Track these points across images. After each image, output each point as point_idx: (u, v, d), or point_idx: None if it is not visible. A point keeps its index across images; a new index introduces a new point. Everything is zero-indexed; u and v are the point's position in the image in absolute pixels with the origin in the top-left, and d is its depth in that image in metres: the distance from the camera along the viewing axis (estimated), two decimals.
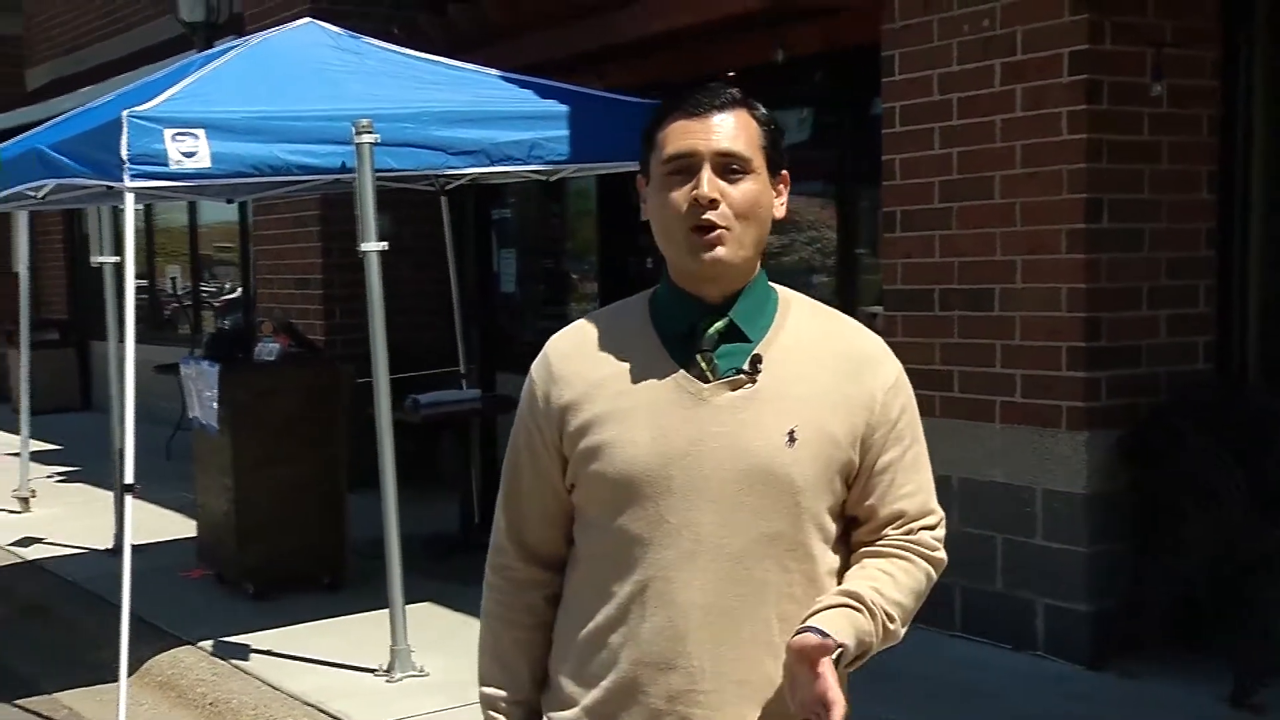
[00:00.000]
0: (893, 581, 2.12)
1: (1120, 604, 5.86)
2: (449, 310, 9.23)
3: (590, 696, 2.17)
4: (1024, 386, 6.05)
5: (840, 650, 2.01)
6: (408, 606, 6.14)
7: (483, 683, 2.37)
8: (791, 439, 2.10)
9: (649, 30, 7.92)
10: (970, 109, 6.18)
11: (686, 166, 2.11)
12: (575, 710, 2.20)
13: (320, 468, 7.66)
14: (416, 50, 7.49)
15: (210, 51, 7.72)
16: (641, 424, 2.14)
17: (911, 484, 2.19)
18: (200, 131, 5.91)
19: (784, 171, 2.21)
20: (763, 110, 2.21)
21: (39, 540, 9.29)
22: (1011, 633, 6.07)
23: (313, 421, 7.66)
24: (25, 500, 10.35)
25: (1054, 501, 5.95)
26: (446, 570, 7.55)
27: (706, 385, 2.13)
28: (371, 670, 6.10)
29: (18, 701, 6.40)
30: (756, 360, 2.13)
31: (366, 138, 6.00)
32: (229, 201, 10.73)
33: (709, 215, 2.09)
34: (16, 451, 10.53)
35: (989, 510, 6.16)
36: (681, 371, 2.14)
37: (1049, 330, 5.95)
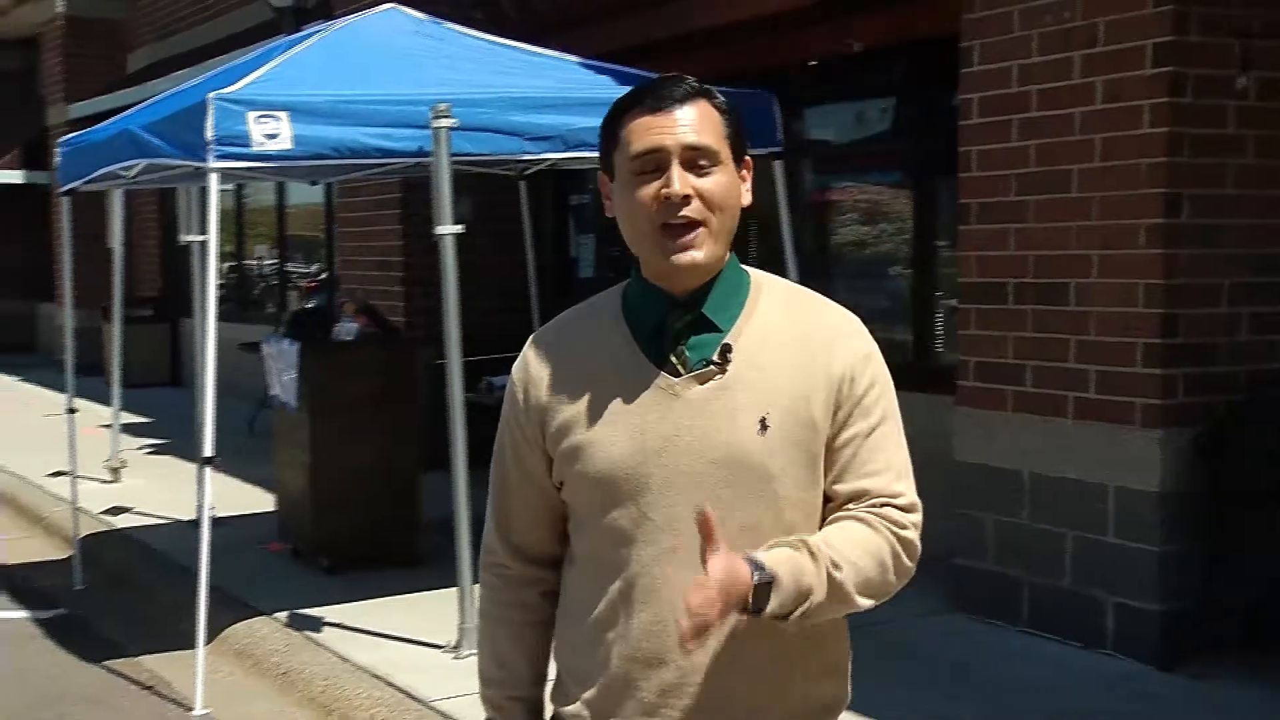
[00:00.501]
0: (845, 536, 2.05)
1: (1193, 604, 5.78)
2: (527, 295, 9.24)
3: (589, 692, 2.17)
4: (1098, 382, 5.98)
5: (770, 579, 1.94)
6: (474, 585, 6.12)
7: (482, 681, 2.37)
8: (764, 426, 2.08)
9: (726, 19, 7.96)
10: (1049, 101, 6.11)
11: (654, 164, 2.07)
12: (577, 705, 2.20)
13: (395, 447, 7.73)
14: (498, 36, 7.50)
15: (295, 36, 7.79)
16: (618, 422, 2.13)
17: (877, 462, 2.12)
18: (283, 114, 5.97)
19: (747, 158, 2.17)
20: (722, 98, 2.16)
21: (127, 510, 9.46)
22: (1080, 630, 6.00)
23: (388, 401, 7.73)
24: (116, 470, 10.56)
25: (1126, 499, 5.87)
26: None
27: (677, 380, 2.11)
28: (439, 646, 6.14)
29: (105, 663, 6.56)
30: (726, 350, 2.10)
31: (444, 122, 6.01)
32: (312, 183, 10.90)
33: (685, 212, 2.06)
34: (108, 423, 10.75)
35: (1059, 507, 6.11)
36: (653, 367, 2.12)
37: (1124, 326, 5.87)
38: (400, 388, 7.80)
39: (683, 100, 2.09)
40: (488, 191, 9.37)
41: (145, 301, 17.36)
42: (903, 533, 2.09)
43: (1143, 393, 5.82)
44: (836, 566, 2.00)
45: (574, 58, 7.35)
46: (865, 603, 2.07)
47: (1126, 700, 5.44)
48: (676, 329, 2.13)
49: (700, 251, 2.08)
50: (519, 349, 7.75)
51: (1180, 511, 5.79)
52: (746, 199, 2.16)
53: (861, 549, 2.05)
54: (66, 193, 8.06)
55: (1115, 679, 5.66)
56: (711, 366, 2.10)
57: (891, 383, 2.18)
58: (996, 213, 6.39)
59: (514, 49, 7.30)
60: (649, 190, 2.06)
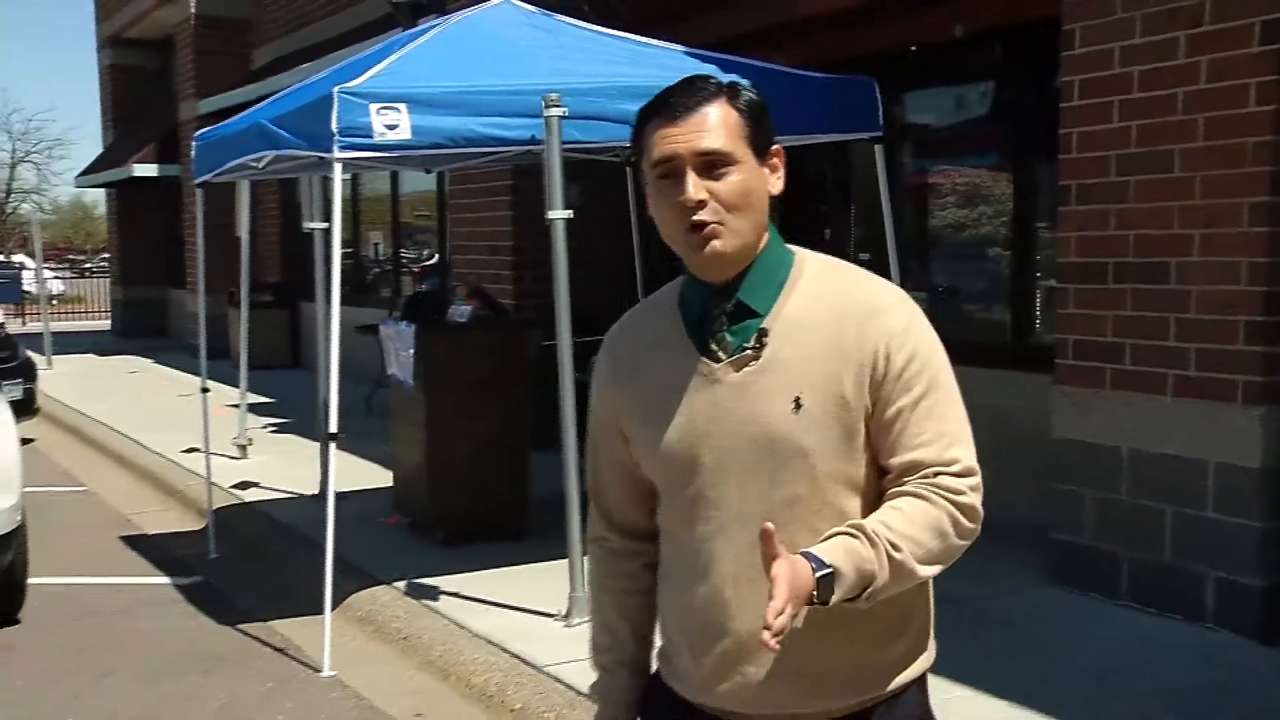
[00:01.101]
0: (901, 515, 2.04)
1: None
2: (633, 277, 9.29)
3: (677, 658, 2.25)
4: (1198, 360, 5.92)
5: (830, 571, 1.96)
6: (585, 558, 6.20)
7: (593, 647, 2.46)
8: (798, 405, 2.10)
9: (830, 7, 7.92)
10: (1151, 82, 6.04)
11: (671, 171, 2.11)
12: (668, 669, 2.29)
13: (506, 424, 7.80)
14: (606, 27, 7.51)
15: (412, 30, 7.85)
16: (672, 408, 2.19)
17: (928, 433, 2.10)
18: (402, 106, 6.05)
19: (775, 147, 2.18)
20: (746, 96, 2.17)
21: (255, 484, 9.69)
22: (1180, 604, 5.95)
23: (500, 381, 7.78)
24: (243, 448, 10.83)
25: (1227, 475, 5.80)
26: None
27: (718, 365, 2.16)
28: (550, 615, 6.21)
29: (239, 626, 6.74)
30: (762, 334, 2.14)
31: (555, 111, 6.05)
32: (427, 171, 10.99)
33: (700, 216, 2.09)
34: (236, 403, 11.02)
35: (1159, 482, 6.06)
36: (698, 354, 2.18)
37: (1226, 304, 5.79)
38: (511, 368, 7.85)
39: (697, 106, 2.12)
40: (595, 178, 9.41)
41: (266, 287, 17.67)
42: (959, 498, 2.07)
43: (1245, 370, 5.73)
44: (895, 548, 2.00)
45: (679, 47, 7.33)
46: (930, 571, 2.07)
47: (1227, 672, 5.38)
48: (716, 316, 2.17)
49: (721, 244, 2.13)
50: None
51: None
52: (775, 188, 2.18)
53: (919, 524, 2.04)
54: (200, 184, 8.19)
55: (1216, 652, 5.60)
56: (748, 351, 2.14)
57: (939, 351, 2.16)
58: (1097, 193, 6.34)
59: (621, 39, 7.31)
60: (669, 196, 2.11)
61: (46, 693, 5.89)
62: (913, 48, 7.76)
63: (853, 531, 2.01)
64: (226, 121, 7.94)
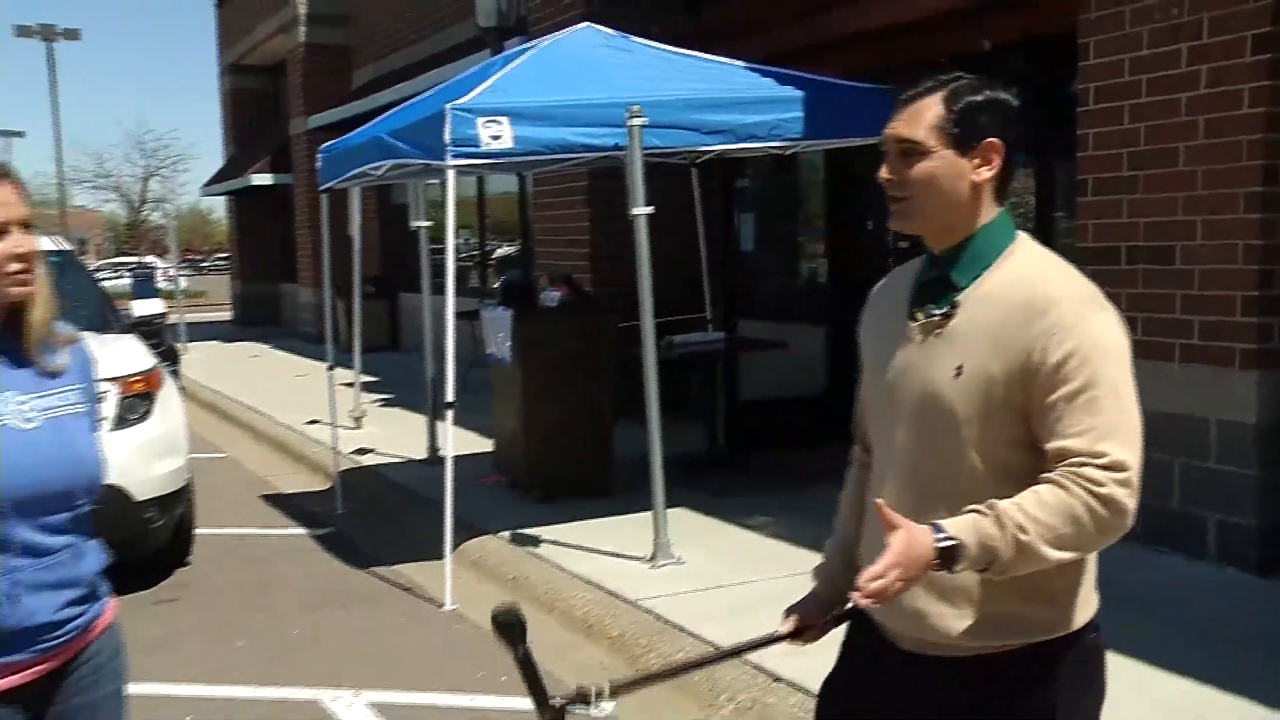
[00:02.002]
0: (1037, 500, 1.95)
1: None
2: (695, 265, 9.27)
3: None
4: (1201, 331, 5.91)
5: (953, 544, 1.93)
6: (666, 510, 6.29)
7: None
8: (958, 373, 2.07)
9: (872, 24, 7.88)
10: (1158, 88, 6.02)
11: (883, 152, 2.17)
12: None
13: (592, 396, 7.82)
14: (673, 46, 7.54)
15: (509, 53, 7.91)
16: (879, 358, 2.23)
17: (1081, 424, 1.97)
18: (504, 119, 6.17)
19: (990, 140, 2.12)
20: (962, 94, 2.12)
21: (370, 450, 9.85)
22: (1186, 544, 5.97)
23: (586, 358, 7.81)
24: (359, 419, 11.02)
25: (1227, 431, 5.81)
26: (696, 483, 7.69)
27: (914, 326, 2.15)
28: (637, 558, 6.30)
29: (369, 569, 6.92)
30: (953, 306, 2.11)
31: (636, 121, 6.15)
32: (520, 175, 11.10)
33: (889, 191, 2.15)
34: (349, 381, 11.15)
35: (1168, 438, 6.02)
36: (905, 315, 2.19)
37: (1225, 281, 5.79)
38: (596, 346, 7.87)
39: (915, 98, 2.13)
40: (663, 179, 9.54)
41: (368, 280, 17.83)
42: (1099, 490, 1.94)
43: (1242, 339, 5.73)
44: (1023, 530, 1.93)
45: (740, 62, 7.34)
46: (1061, 555, 1.96)
47: (1227, 601, 5.44)
48: (926, 284, 2.18)
49: (900, 220, 2.16)
50: (691, 312, 7.97)
51: (1275, 441, 5.72)
52: (979, 176, 2.12)
53: (1053, 510, 1.94)
54: (324, 190, 8.29)
55: (1218, 583, 5.65)
56: (936, 318, 2.12)
57: (1108, 349, 2.02)
58: (1111, 186, 6.31)
59: (688, 56, 7.35)
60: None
61: (219, 619, 6.12)
62: (944, 60, 7.75)
63: (984, 510, 1.96)
64: (346, 136, 8.04)
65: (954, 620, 2.09)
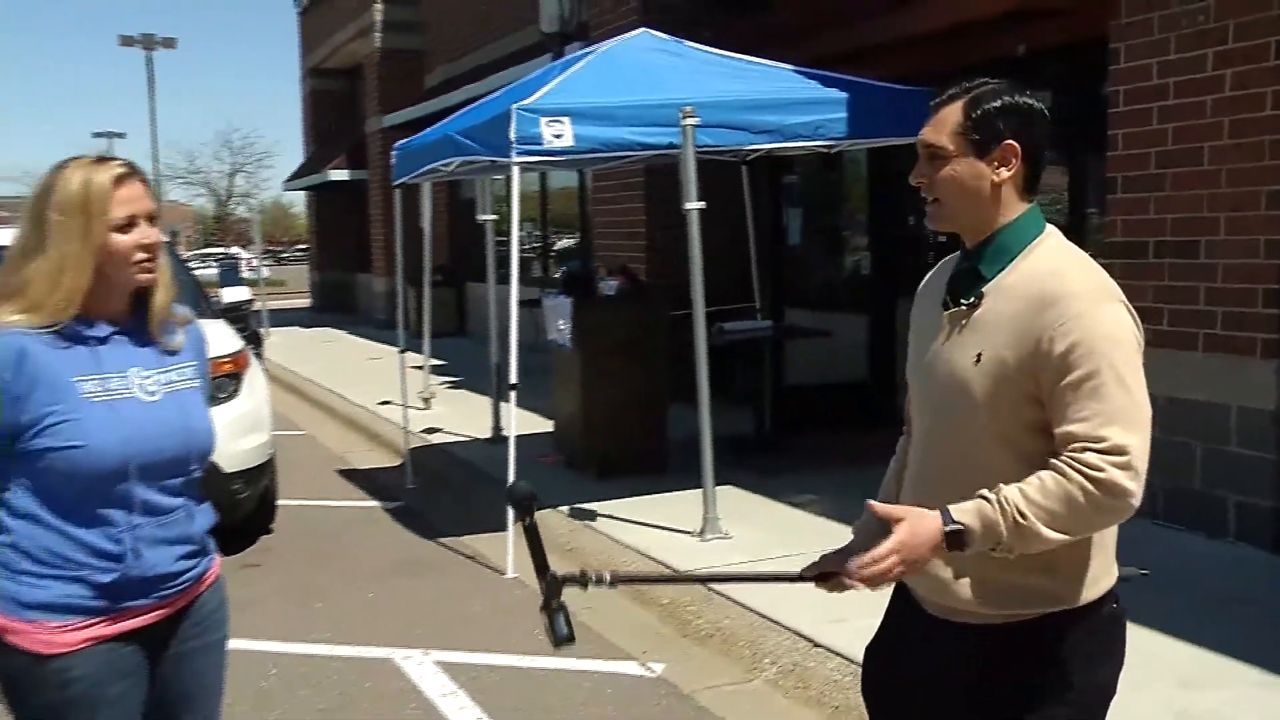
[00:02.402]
0: (1039, 485, 1.98)
1: None
2: (744, 257, 9.29)
3: None
4: (1223, 321, 5.90)
5: (959, 529, 1.99)
6: (715, 488, 6.35)
7: None
8: (978, 360, 2.10)
9: (913, 30, 7.84)
10: (1184, 90, 6.00)
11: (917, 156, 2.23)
12: None
13: (646, 380, 7.87)
14: (723, 49, 7.56)
15: (570, 57, 7.96)
16: (918, 343, 2.29)
17: (1085, 410, 1.98)
18: (566, 119, 6.25)
19: (1007, 143, 2.14)
20: (982, 101, 2.14)
21: (439, 430, 9.97)
22: (1206, 523, 5.98)
23: (641, 344, 7.86)
24: (427, 400, 11.14)
25: (1247, 417, 5.81)
26: (744, 463, 7.72)
27: (946, 314, 2.20)
28: (687, 532, 6.37)
29: (437, 540, 7.03)
30: (980, 296, 2.14)
31: (690, 121, 6.22)
32: (580, 171, 11.14)
33: (922, 193, 2.21)
34: (419, 365, 11.20)
35: (1190, 423, 6.05)
36: (941, 304, 2.24)
37: (1247, 275, 5.78)
38: (651, 333, 7.91)
39: (941, 105, 2.18)
40: (713, 176, 9.55)
41: (437, 269, 17.92)
42: (1097, 474, 1.95)
43: (1262, 329, 5.72)
44: (1022, 515, 1.96)
45: (787, 65, 7.35)
46: (1061, 537, 1.99)
47: (1244, 576, 5.46)
48: (955, 275, 2.23)
49: (934, 221, 2.22)
50: (741, 301, 7.98)
51: None
52: (999, 176, 2.15)
53: (1051, 495, 1.97)
54: (397, 185, 8.40)
55: (1235, 560, 5.67)
56: (963, 307, 2.16)
57: (1114, 339, 2.02)
58: (1139, 183, 6.30)
59: (737, 60, 7.37)
60: None
61: (299, 583, 6.28)
62: (984, 64, 7.72)
63: (989, 497, 2.00)
64: (419, 135, 8.11)
65: (965, 588, 2.15)
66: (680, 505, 6.79)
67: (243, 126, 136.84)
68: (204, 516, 2.54)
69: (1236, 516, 5.89)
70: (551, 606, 2.31)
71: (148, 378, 2.41)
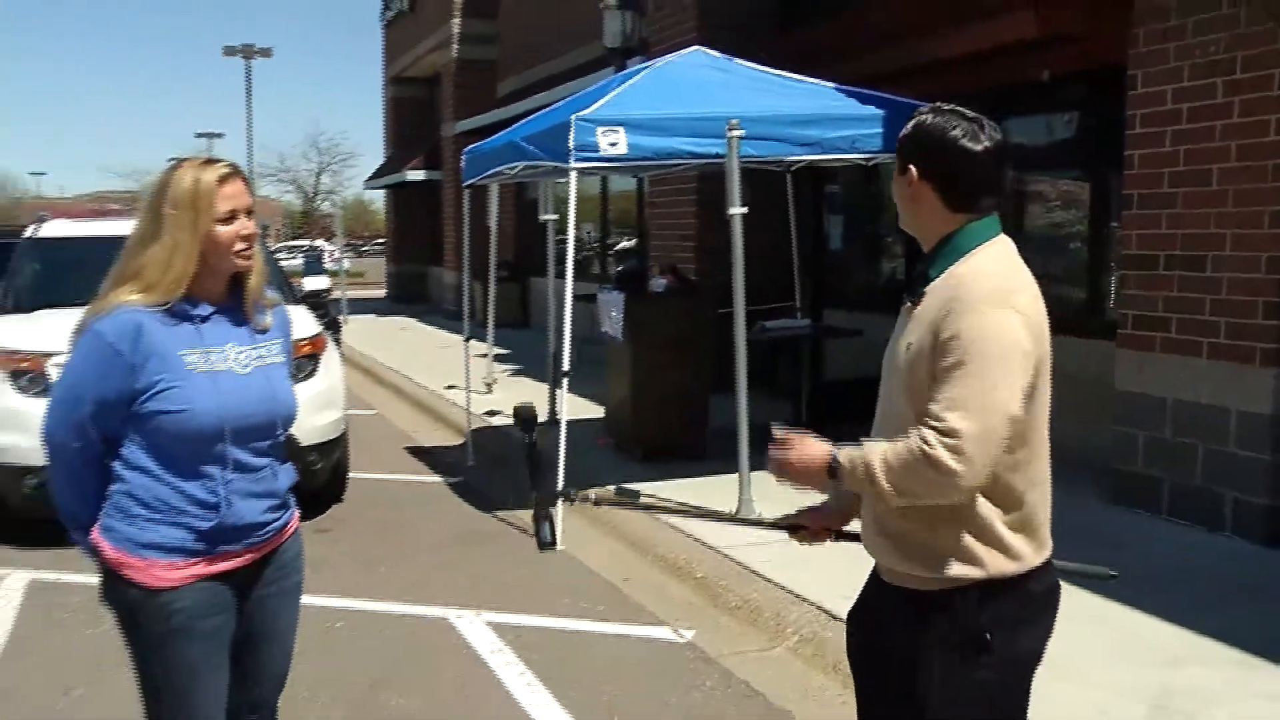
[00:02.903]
0: (894, 448, 2.12)
1: None
2: (787, 260, 9.35)
3: None
4: (1227, 331, 5.95)
5: (837, 465, 2.18)
6: (750, 473, 6.43)
7: None
8: (908, 348, 2.23)
9: (945, 54, 7.92)
10: (1196, 115, 6.04)
11: None
12: None
13: (692, 371, 7.97)
14: (769, 67, 7.64)
15: (626, 71, 8.09)
16: (893, 329, 2.39)
17: (941, 392, 2.10)
18: (620, 129, 6.40)
19: (910, 165, 2.28)
20: (909, 127, 2.29)
21: (499, 413, 10.02)
22: (1206, 517, 6.02)
23: (688, 338, 7.96)
24: (489, 385, 11.29)
25: (1246, 420, 5.86)
26: None
27: (904, 307, 2.32)
28: (723, 512, 6.48)
29: (494, 513, 7.23)
30: (922, 294, 2.25)
31: (735, 133, 6.33)
32: (635, 177, 11.25)
33: None
34: (484, 353, 11.37)
35: (1193, 424, 6.10)
36: (906, 298, 2.34)
37: (1250, 289, 5.82)
38: (697, 328, 8.00)
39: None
40: (760, 184, 9.60)
41: (503, 265, 18.05)
42: (926, 449, 2.06)
43: (1262, 339, 5.78)
44: (872, 466, 2.12)
45: (829, 84, 7.42)
46: (897, 494, 2.12)
47: (1240, 567, 5.53)
48: (913, 275, 2.34)
49: (900, 223, 2.38)
50: (783, 300, 8.09)
51: None
52: (912, 195, 2.29)
53: (897, 456, 2.10)
54: (467, 186, 8.55)
55: (1231, 553, 5.74)
56: (910, 303, 2.29)
57: (991, 338, 2.09)
58: (1153, 201, 6.34)
59: (783, 77, 7.46)
60: None
61: (366, 547, 6.47)
62: (1011, 87, 7.71)
63: (862, 445, 2.18)
64: (487, 140, 8.27)
65: (894, 548, 2.28)
66: (718, 487, 6.87)
67: (329, 129, 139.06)
68: (286, 475, 2.76)
69: (1233, 512, 5.94)
70: (539, 516, 2.52)
71: (241, 353, 2.62)
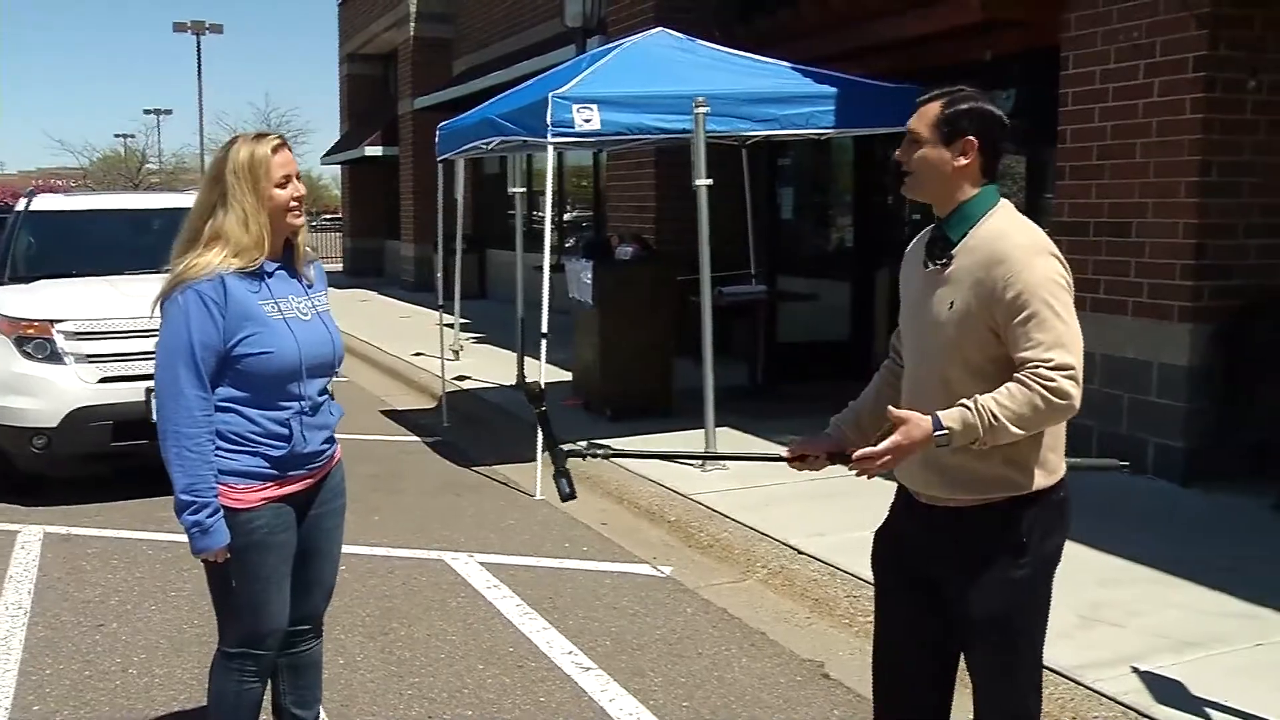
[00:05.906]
0: (1007, 394, 2.26)
1: (1209, 443, 6.12)
2: (742, 229, 9.55)
3: None
4: (1149, 291, 6.22)
5: (946, 431, 2.27)
6: (716, 429, 6.71)
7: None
8: (951, 307, 2.38)
9: (895, 35, 8.09)
10: (1121, 94, 6.29)
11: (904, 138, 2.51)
12: None
13: (656, 334, 8.21)
14: (730, 47, 7.81)
15: (597, 51, 8.22)
16: (906, 291, 2.56)
17: (1033, 339, 2.26)
18: (594, 106, 6.59)
19: (967, 138, 2.39)
20: (955, 103, 2.40)
21: (468, 377, 10.32)
22: (1130, 461, 6.04)
23: (653, 303, 8.22)
24: (457, 352, 11.37)
25: (1166, 372, 6.15)
26: (740, 409, 8.02)
27: (927, 270, 2.46)
28: (691, 464, 6.74)
29: (474, 468, 7.46)
30: (950, 256, 2.40)
31: (701, 110, 6.56)
32: (598, 151, 11.31)
33: (900, 168, 2.49)
34: (450, 322, 11.34)
35: (1120, 376, 6.38)
36: (922, 261, 2.50)
37: (1169, 252, 6.10)
38: (662, 294, 8.25)
39: (924, 102, 2.47)
40: (717, 155, 9.72)
41: (461, 237, 18.31)
42: (1049, 382, 2.24)
43: (1180, 298, 6.06)
44: (994, 416, 2.24)
45: (785, 63, 7.63)
46: (1023, 432, 2.27)
47: (1159, 503, 5.90)
48: (929, 240, 2.49)
49: (907, 189, 2.49)
50: (740, 269, 8.30)
51: (1203, 380, 6.08)
52: (959, 162, 2.40)
53: (1016, 400, 2.25)
54: (442, 161, 8.68)
55: (1152, 492, 6.11)
56: (938, 265, 2.43)
57: (1049, 284, 2.28)
58: (1082, 173, 6.57)
59: (742, 57, 7.68)
60: None
61: (359, 499, 6.31)
62: (956, 66, 7.80)
63: (968, 405, 2.28)
64: (461, 116, 8.44)
65: (945, 481, 2.45)
66: (685, 442, 7.10)
67: (280, 105, 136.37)
68: (336, 410, 3.13)
69: (1154, 455, 6.27)
70: (559, 472, 2.91)
71: (300, 302, 2.97)
